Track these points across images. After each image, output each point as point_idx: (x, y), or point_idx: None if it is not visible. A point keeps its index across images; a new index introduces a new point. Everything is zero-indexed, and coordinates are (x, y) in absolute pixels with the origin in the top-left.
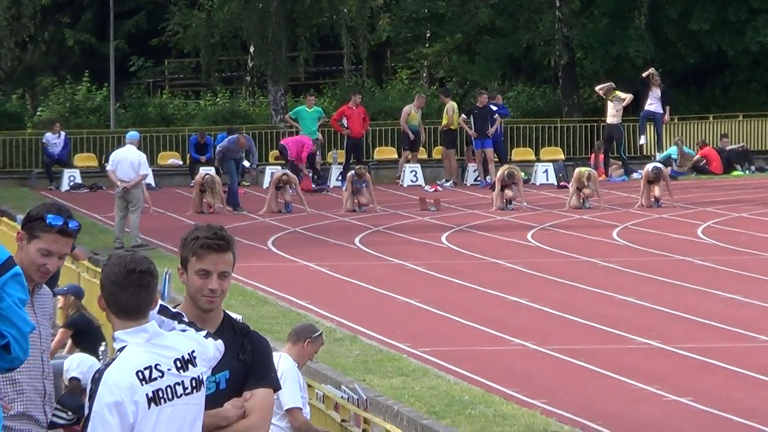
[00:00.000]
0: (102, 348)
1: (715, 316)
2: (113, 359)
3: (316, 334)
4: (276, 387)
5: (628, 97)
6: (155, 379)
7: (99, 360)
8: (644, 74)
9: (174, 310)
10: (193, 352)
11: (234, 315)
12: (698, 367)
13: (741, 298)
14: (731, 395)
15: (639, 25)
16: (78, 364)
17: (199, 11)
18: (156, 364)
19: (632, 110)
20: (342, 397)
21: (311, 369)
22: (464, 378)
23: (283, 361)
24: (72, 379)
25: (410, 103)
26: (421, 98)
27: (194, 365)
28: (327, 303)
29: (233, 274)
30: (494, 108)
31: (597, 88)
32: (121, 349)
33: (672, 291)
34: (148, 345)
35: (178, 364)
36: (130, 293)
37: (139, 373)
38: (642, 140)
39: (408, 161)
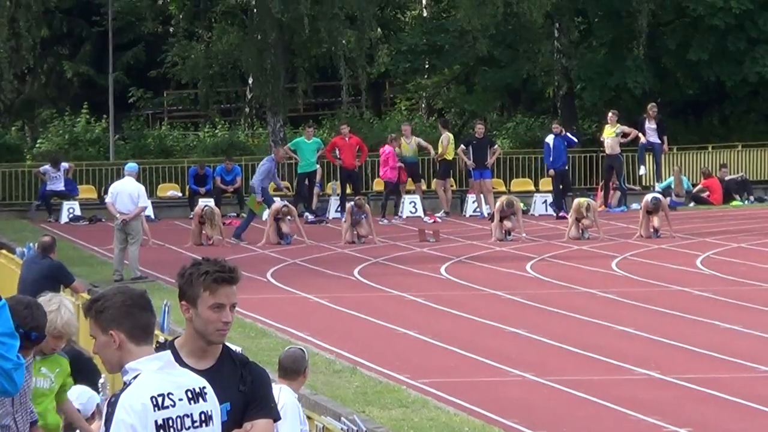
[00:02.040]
0: (101, 380)
1: (714, 346)
2: (128, 385)
3: (307, 358)
4: (276, 417)
5: (632, 132)
6: (167, 407)
7: (98, 393)
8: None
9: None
10: (204, 387)
11: (233, 347)
12: (697, 397)
13: (740, 329)
14: (731, 426)
15: (637, 56)
16: (78, 395)
17: (198, 43)
18: (169, 393)
19: (631, 141)
20: (342, 428)
21: (311, 401)
22: (464, 409)
23: (283, 394)
24: None
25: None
26: (405, 128)
27: (204, 400)
28: (326, 334)
29: None
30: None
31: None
32: (135, 377)
33: (671, 322)
34: (162, 373)
35: (189, 395)
36: (150, 311)
37: (153, 399)
38: (642, 170)
39: (408, 192)
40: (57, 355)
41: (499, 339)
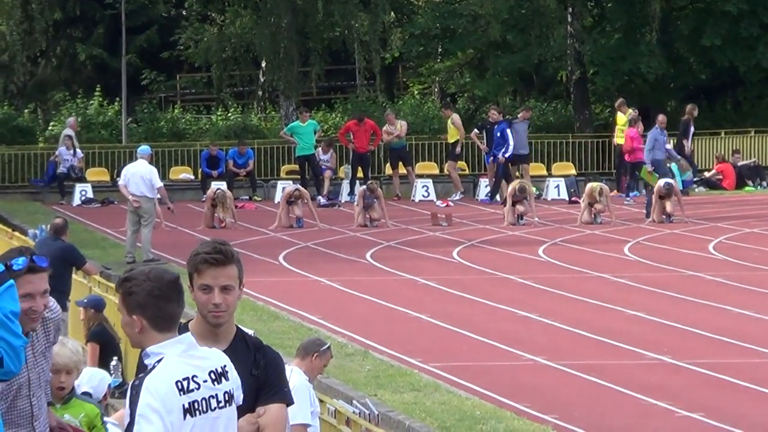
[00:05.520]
0: (113, 363)
1: (726, 331)
2: (152, 369)
3: (324, 347)
4: (289, 402)
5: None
6: (192, 390)
7: (110, 374)
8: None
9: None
10: (225, 366)
11: (246, 330)
12: (709, 382)
13: (752, 314)
14: (742, 410)
15: (651, 41)
16: (89, 378)
17: (211, 26)
18: (193, 376)
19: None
20: (353, 412)
21: (323, 384)
22: (475, 393)
23: (294, 376)
24: (83, 393)
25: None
26: (389, 114)
27: (227, 379)
28: (338, 318)
29: (245, 289)
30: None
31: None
32: (159, 361)
33: (683, 306)
34: (185, 356)
35: (213, 376)
36: (177, 302)
37: (178, 383)
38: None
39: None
40: (77, 399)
41: (511, 323)
